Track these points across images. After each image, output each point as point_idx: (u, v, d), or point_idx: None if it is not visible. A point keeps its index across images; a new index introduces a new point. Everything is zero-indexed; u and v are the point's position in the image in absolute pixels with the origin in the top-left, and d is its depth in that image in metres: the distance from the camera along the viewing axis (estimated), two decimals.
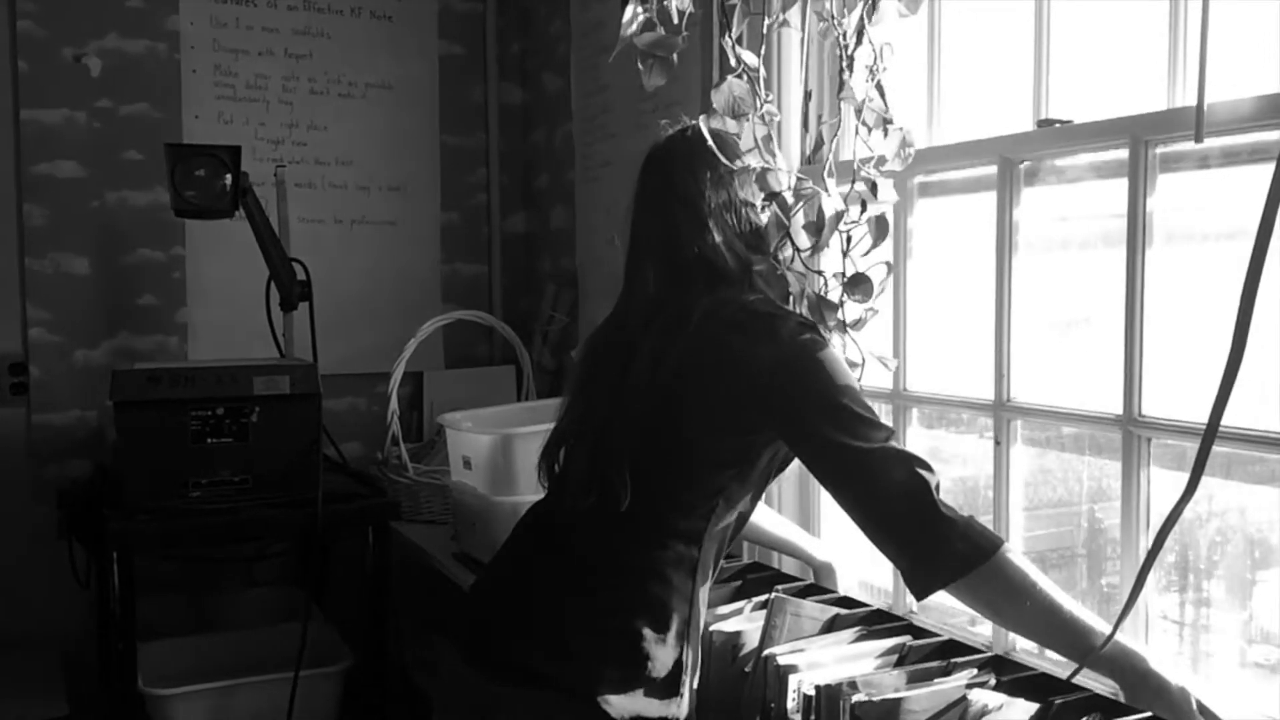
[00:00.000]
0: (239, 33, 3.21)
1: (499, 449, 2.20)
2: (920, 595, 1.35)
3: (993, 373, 1.77)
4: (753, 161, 1.48)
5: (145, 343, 3.14)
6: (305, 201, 3.25)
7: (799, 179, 1.51)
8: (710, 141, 1.45)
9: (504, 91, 3.57)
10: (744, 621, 1.72)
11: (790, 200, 1.48)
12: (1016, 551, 1.34)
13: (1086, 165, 1.69)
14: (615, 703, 1.41)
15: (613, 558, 1.48)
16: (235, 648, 2.70)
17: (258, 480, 2.43)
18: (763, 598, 1.79)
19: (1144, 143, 1.49)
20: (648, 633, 1.43)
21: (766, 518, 1.90)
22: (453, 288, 3.50)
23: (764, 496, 1.69)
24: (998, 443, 1.76)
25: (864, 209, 1.56)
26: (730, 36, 1.47)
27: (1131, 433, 1.54)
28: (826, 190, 1.51)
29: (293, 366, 2.50)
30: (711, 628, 1.71)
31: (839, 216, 1.54)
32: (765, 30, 1.51)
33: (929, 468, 1.35)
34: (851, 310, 1.58)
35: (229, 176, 2.56)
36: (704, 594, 1.52)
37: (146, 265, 3.13)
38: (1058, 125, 1.62)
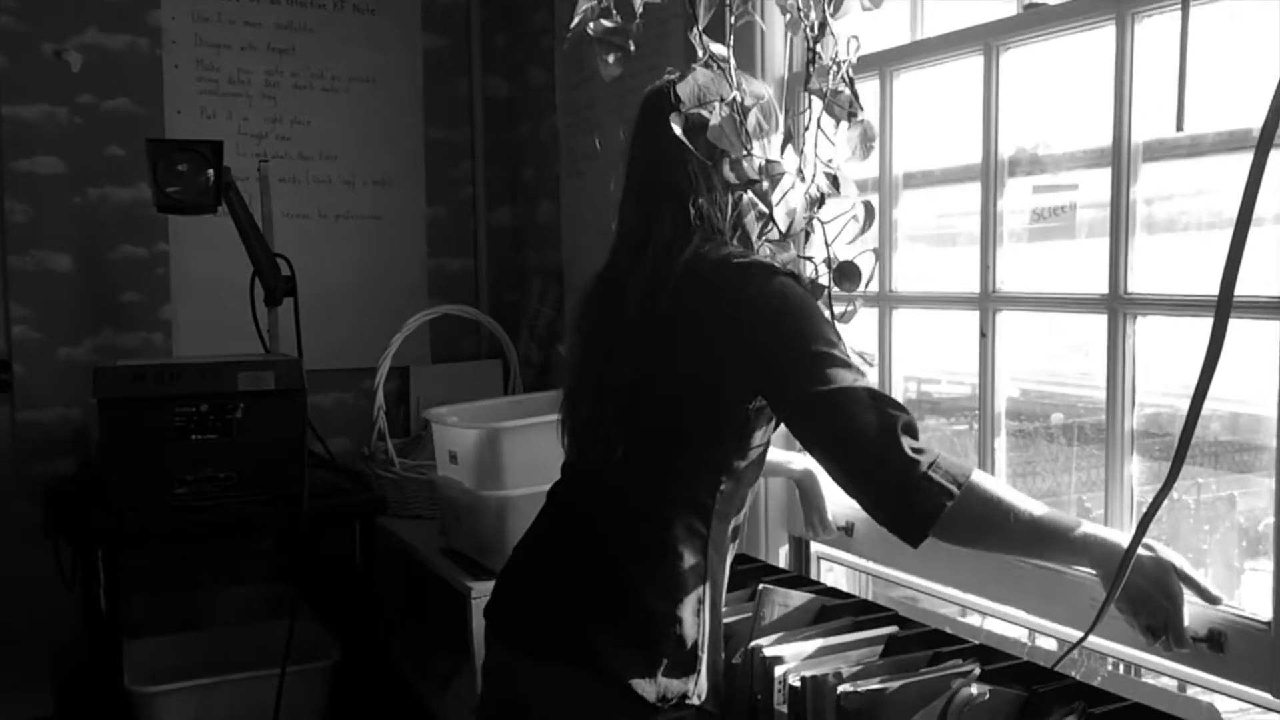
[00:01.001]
0: (221, 27, 3.19)
1: (485, 443, 2.20)
2: (912, 543, 1.32)
3: (978, 264, 1.75)
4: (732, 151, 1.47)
5: (129, 339, 3.12)
6: (289, 196, 3.23)
7: (771, 163, 1.51)
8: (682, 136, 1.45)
9: (489, 85, 3.55)
10: (732, 613, 1.73)
11: (766, 187, 1.48)
12: (986, 475, 1.33)
13: (1066, 155, 1.70)
14: (640, 685, 1.41)
15: (625, 536, 1.47)
16: (222, 645, 2.70)
17: (243, 477, 2.42)
18: (750, 589, 1.79)
19: (1129, 14, 1.49)
20: (663, 611, 1.43)
21: None
22: (439, 282, 3.49)
23: None
24: (984, 335, 1.75)
25: (821, 204, 1.56)
26: (698, 28, 1.46)
27: (1117, 310, 1.54)
28: (801, 178, 1.51)
29: (277, 362, 2.49)
30: None
31: (811, 204, 1.54)
32: (734, 21, 1.51)
33: (900, 408, 1.33)
34: (837, 303, 1.59)
35: (211, 172, 2.55)
36: (722, 572, 1.52)
37: (130, 261, 3.12)
38: (1043, 6, 1.63)
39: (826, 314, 1.46)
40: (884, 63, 1.93)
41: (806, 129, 1.59)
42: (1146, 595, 1.32)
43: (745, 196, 1.48)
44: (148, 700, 2.38)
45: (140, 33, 3.11)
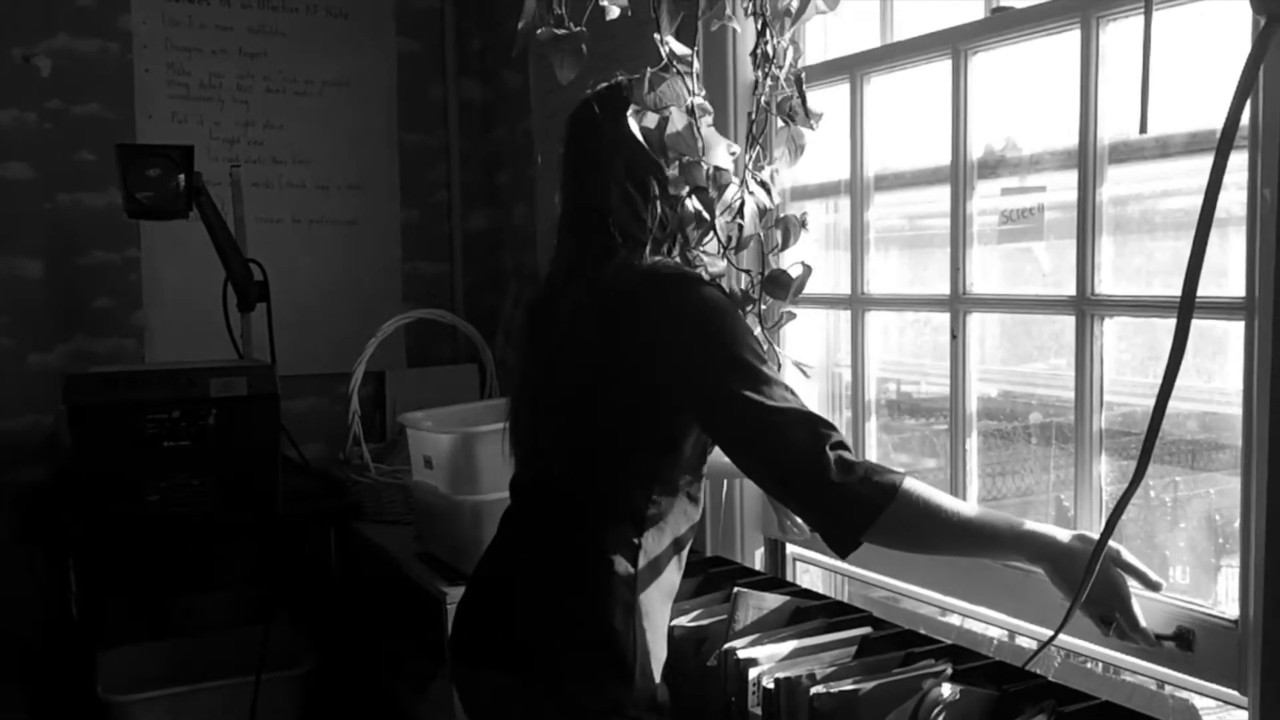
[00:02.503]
0: (192, 31, 3.17)
1: (460, 448, 2.19)
2: (841, 554, 1.36)
3: (949, 266, 1.76)
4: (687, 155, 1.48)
5: (101, 346, 3.10)
6: (263, 201, 3.22)
7: (718, 170, 1.52)
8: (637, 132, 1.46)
9: (464, 88, 3.55)
10: (706, 616, 1.73)
11: (713, 195, 1.49)
12: (917, 482, 1.35)
13: (1034, 157, 1.71)
14: (574, 690, 1.44)
15: (560, 547, 1.51)
16: (197, 652, 2.68)
17: (217, 483, 2.41)
18: (725, 591, 1.79)
19: (1094, 19, 1.50)
20: (592, 620, 1.45)
21: None
22: (414, 286, 3.48)
23: None
24: (954, 336, 1.76)
25: (763, 215, 1.57)
26: (661, 32, 1.47)
27: (1085, 312, 1.55)
28: (751, 189, 1.53)
29: (250, 368, 2.48)
30: (673, 622, 1.71)
31: (761, 214, 1.55)
32: (700, 24, 1.51)
33: (830, 426, 1.36)
34: (769, 311, 1.60)
35: (183, 177, 2.53)
36: (662, 581, 1.52)
37: (101, 267, 3.09)
38: (1010, 10, 1.64)
39: (755, 329, 1.47)
40: (854, 66, 1.93)
41: (764, 132, 1.60)
42: (1095, 589, 1.34)
43: (690, 205, 1.49)
44: (122, 709, 2.37)
45: (111, 37, 3.09)
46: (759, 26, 1.57)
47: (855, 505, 1.31)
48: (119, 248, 3.11)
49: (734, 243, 1.56)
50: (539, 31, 1.49)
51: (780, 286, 1.59)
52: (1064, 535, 1.37)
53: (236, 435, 2.41)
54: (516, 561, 1.57)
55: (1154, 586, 1.36)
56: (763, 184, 1.58)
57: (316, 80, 3.32)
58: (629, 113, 1.48)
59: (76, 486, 2.36)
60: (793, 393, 1.39)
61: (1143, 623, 1.36)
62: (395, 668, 2.67)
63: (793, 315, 1.72)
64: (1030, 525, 1.37)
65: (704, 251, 1.54)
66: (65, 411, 2.37)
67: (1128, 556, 1.36)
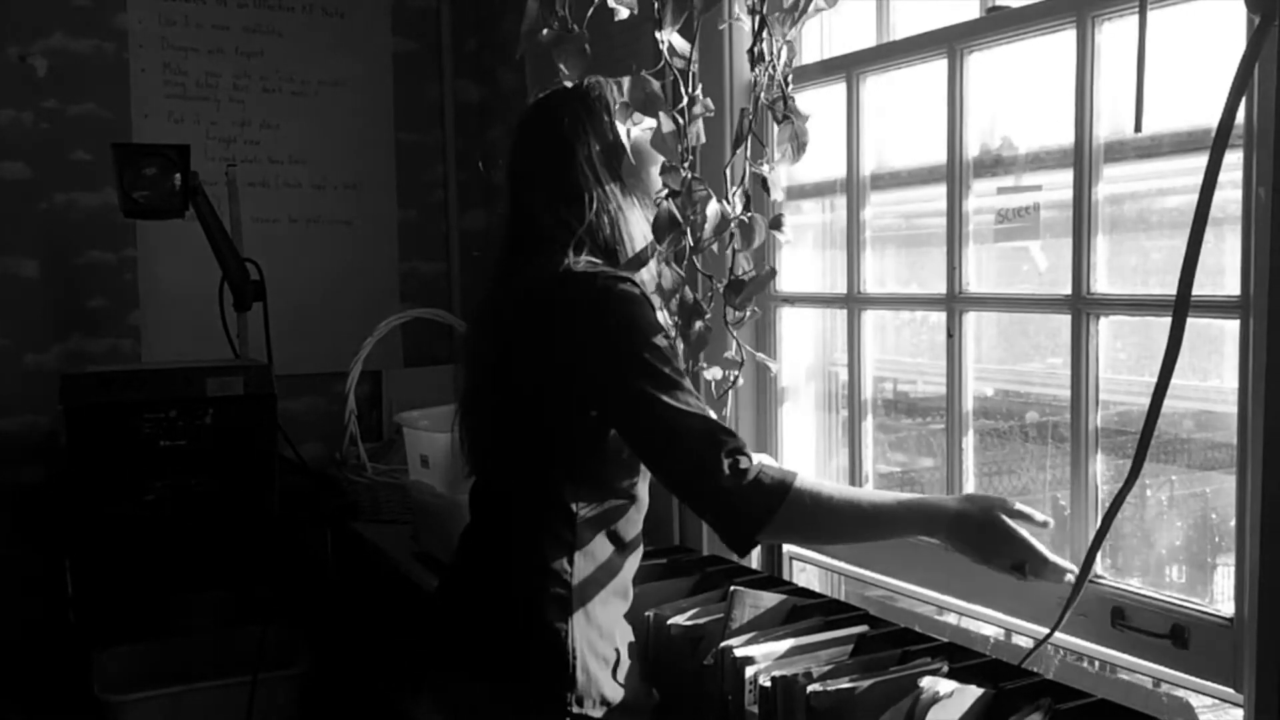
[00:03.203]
0: (189, 30, 3.17)
1: (457, 447, 2.19)
2: (739, 553, 1.42)
3: (945, 265, 1.76)
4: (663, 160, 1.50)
5: (97, 346, 3.09)
6: (259, 201, 3.21)
7: (694, 178, 1.53)
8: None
9: (460, 88, 3.55)
10: (703, 615, 1.73)
11: (687, 199, 1.50)
12: (809, 478, 1.40)
13: (1030, 156, 1.71)
14: (514, 687, 1.48)
15: (497, 547, 1.55)
16: (192, 652, 2.68)
17: (213, 483, 2.41)
18: (721, 590, 1.79)
19: (1090, 18, 1.50)
20: (525, 619, 1.49)
21: None
22: (410, 286, 3.48)
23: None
24: (950, 335, 1.76)
25: (748, 204, 1.58)
26: (663, 30, 1.47)
27: (1080, 311, 1.55)
28: (729, 192, 1.53)
29: (247, 367, 2.48)
30: (670, 621, 1.71)
31: (724, 221, 1.56)
32: (697, 24, 1.52)
33: (728, 432, 1.39)
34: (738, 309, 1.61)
35: (179, 176, 2.53)
36: (601, 580, 1.53)
37: (97, 267, 3.09)
38: (1006, 10, 1.64)
39: (666, 327, 1.48)
40: (850, 66, 1.94)
41: (750, 133, 1.60)
42: (985, 541, 1.38)
43: (665, 209, 1.50)
44: (118, 709, 2.36)
45: (107, 36, 3.08)
46: (754, 25, 1.57)
47: (748, 507, 1.35)
48: (115, 247, 3.10)
49: (699, 246, 1.57)
50: (542, 34, 1.50)
51: (737, 293, 1.60)
52: (951, 502, 1.42)
53: (233, 435, 2.41)
54: (466, 565, 1.61)
55: (1043, 524, 1.40)
56: (762, 181, 1.58)
57: (313, 80, 3.32)
58: (615, 110, 1.49)
59: (73, 486, 2.36)
60: (696, 397, 1.41)
61: (1051, 557, 1.39)
62: (392, 667, 2.67)
63: (756, 313, 1.74)
64: (920, 499, 1.43)
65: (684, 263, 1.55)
66: (62, 411, 2.37)
67: (1013, 504, 1.40)
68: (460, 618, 1.57)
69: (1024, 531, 1.38)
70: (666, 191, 1.52)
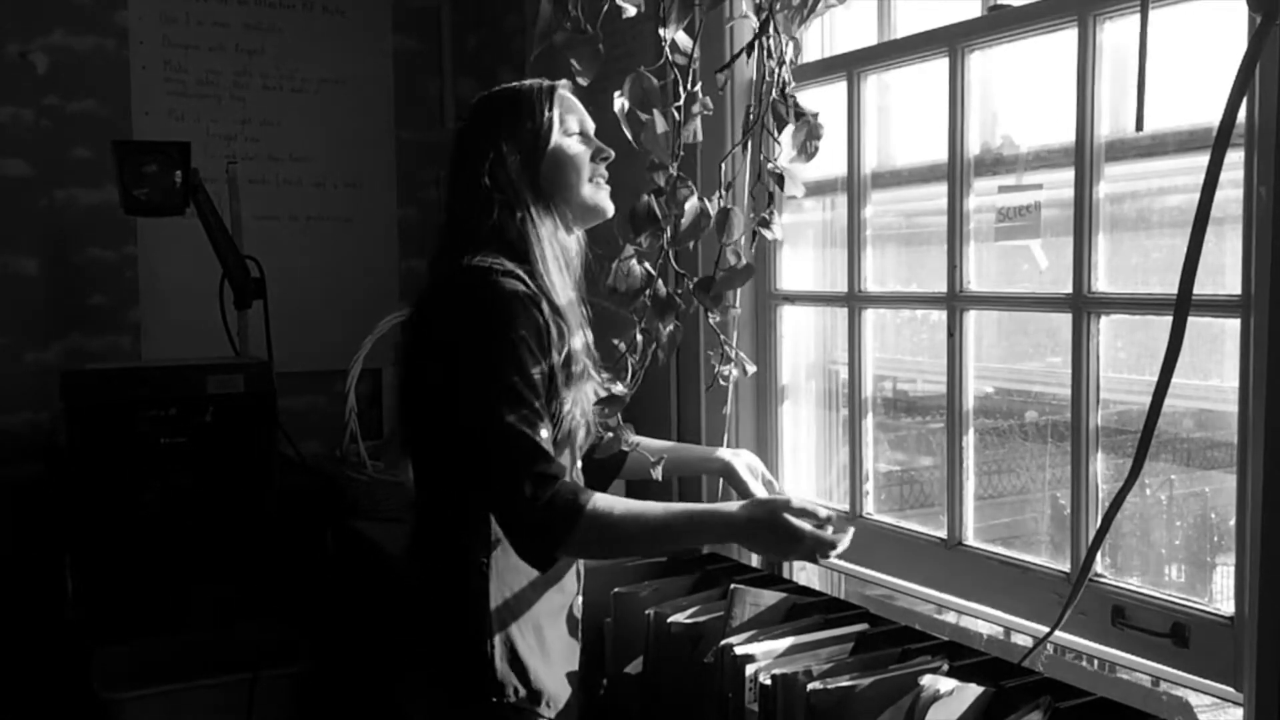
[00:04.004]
0: (189, 28, 3.16)
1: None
2: (539, 569, 1.50)
3: (945, 264, 1.76)
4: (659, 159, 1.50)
5: (97, 343, 3.09)
6: (259, 198, 3.21)
7: (679, 176, 1.53)
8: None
9: (460, 85, 3.54)
10: (703, 613, 1.73)
11: (673, 198, 1.50)
12: (605, 498, 1.43)
13: (1031, 154, 1.71)
14: (441, 676, 1.54)
15: (426, 540, 1.59)
16: (192, 650, 2.67)
17: (213, 480, 2.40)
18: (721, 588, 1.79)
19: (1091, 17, 1.51)
20: (447, 608, 1.53)
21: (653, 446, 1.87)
22: (411, 284, 3.47)
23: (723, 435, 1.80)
24: (951, 334, 1.76)
25: (770, 201, 1.58)
26: (667, 28, 1.47)
27: (1081, 309, 1.55)
28: (721, 189, 1.53)
29: (247, 365, 2.48)
30: (670, 619, 1.71)
31: (702, 217, 1.56)
32: (700, 21, 1.51)
33: (540, 452, 1.41)
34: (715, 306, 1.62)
35: (179, 173, 2.53)
36: (525, 571, 1.54)
37: (97, 264, 3.09)
38: (1007, 9, 1.65)
39: (539, 331, 1.47)
40: (851, 64, 1.94)
41: (749, 132, 1.60)
42: (775, 541, 1.43)
43: (646, 205, 1.50)
44: (118, 706, 2.36)
45: (107, 34, 3.08)
46: (760, 21, 1.57)
47: (545, 526, 1.40)
48: (115, 245, 3.10)
49: (675, 243, 1.57)
50: (556, 36, 1.49)
51: (703, 288, 1.60)
52: (739, 509, 1.46)
53: (233, 432, 2.41)
54: (409, 558, 1.65)
55: (825, 520, 1.44)
56: (776, 176, 1.58)
57: (313, 77, 3.32)
58: (616, 103, 1.49)
59: (73, 484, 2.36)
60: (532, 411, 1.42)
61: (831, 540, 1.43)
62: (392, 665, 2.67)
63: (736, 310, 1.75)
64: (711, 509, 1.49)
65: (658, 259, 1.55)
66: (62, 409, 2.37)
67: (797, 502, 1.45)
68: (400, 610, 1.63)
69: (808, 525, 1.43)
70: (652, 190, 1.52)
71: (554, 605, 1.59)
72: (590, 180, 1.59)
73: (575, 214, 1.60)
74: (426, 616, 1.58)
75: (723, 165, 1.67)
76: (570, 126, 1.58)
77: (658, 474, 1.73)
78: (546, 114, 1.56)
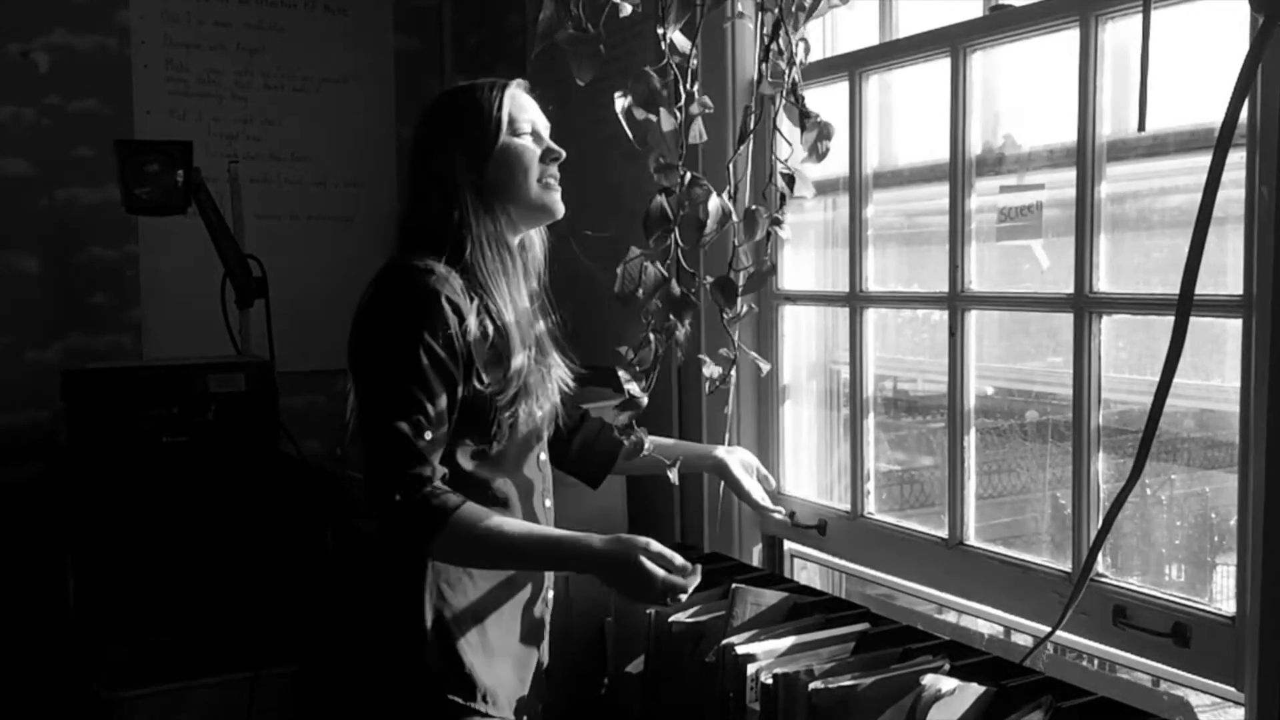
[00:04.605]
0: (190, 27, 3.16)
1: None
2: (411, 554, 1.51)
3: (946, 264, 1.76)
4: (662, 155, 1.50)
5: (98, 342, 3.09)
6: (261, 197, 3.21)
7: (694, 176, 1.53)
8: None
9: None
10: (705, 612, 1.73)
11: (684, 197, 1.51)
12: (474, 508, 1.45)
13: (1033, 154, 1.71)
14: (388, 668, 1.56)
15: (379, 552, 1.61)
16: (194, 648, 2.68)
17: (214, 478, 2.40)
18: (722, 588, 1.80)
19: (1093, 17, 1.51)
20: (388, 597, 1.56)
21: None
22: None
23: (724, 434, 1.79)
24: (952, 334, 1.76)
25: (783, 202, 1.58)
26: (666, 27, 1.47)
27: (1083, 309, 1.55)
28: (727, 186, 1.53)
29: (248, 364, 2.47)
30: (671, 618, 1.71)
31: (725, 216, 1.56)
32: (699, 20, 1.51)
33: (419, 455, 1.43)
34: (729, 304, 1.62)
35: (181, 173, 2.53)
36: (467, 589, 1.55)
37: (98, 263, 3.09)
38: (1009, 9, 1.65)
39: (442, 330, 1.48)
40: (853, 64, 1.94)
41: (750, 135, 1.60)
42: (627, 580, 1.43)
43: (658, 204, 1.51)
44: (119, 705, 2.36)
45: (109, 33, 3.08)
46: (770, 24, 1.57)
47: (410, 528, 1.44)
48: (117, 244, 3.10)
49: (699, 243, 1.57)
50: (557, 35, 1.50)
51: (726, 293, 1.61)
52: (599, 542, 1.46)
53: (235, 431, 2.41)
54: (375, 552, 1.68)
55: (680, 569, 1.44)
56: (787, 177, 1.58)
57: (315, 76, 3.32)
58: (620, 105, 1.49)
59: (74, 483, 2.36)
60: (419, 413, 1.44)
61: (684, 587, 1.43)
62: (367, 659, 2.67)
63: (753, 309, 1.74)
64: (574, 538, 1.47)
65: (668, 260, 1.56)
66: (63, 408, 2.37)
67: (655, 548, 1.44)
68: (360, 601, 1.66)
69: (661, 571, 1.43)
70: (661, 190, 1.52)
71: (499, 601, 1.58)
72: (539, 180, 1.59)
73: (523, 214, 1.60)
74: (373, 608, 1.61)
75: (733, 165, 1.66)
76: (521, 126, 1.58)
77: (674, 475, 1.73)
78: (495, 113, 1.56)
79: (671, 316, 1.58)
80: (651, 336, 1.57)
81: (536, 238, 1.68)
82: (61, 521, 2.31)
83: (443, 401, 1.46)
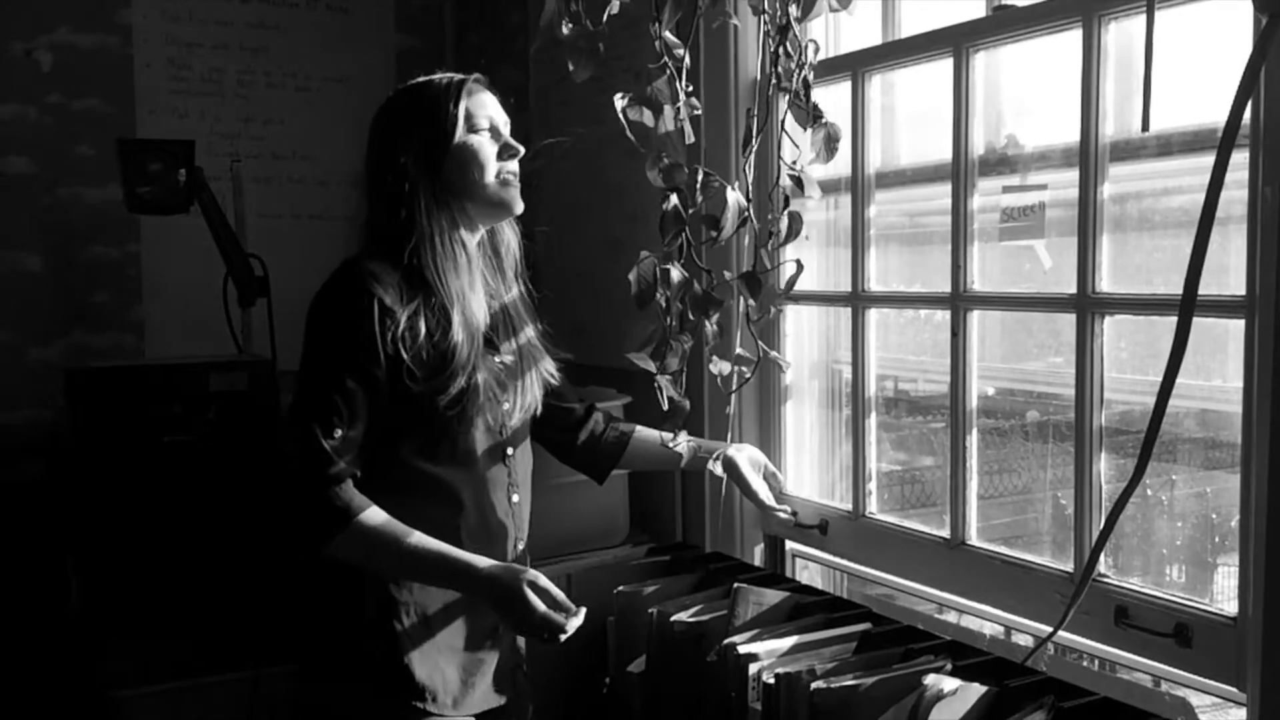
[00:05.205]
0: (193, 26, 3.17)
1: None
2: (304, 555, 1.53)
3: (949, 264, 1.76)
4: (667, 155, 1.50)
5: (100, 340, 3.10)
6: (263, 196, 3.21)
7: (706, 173, 1.52)
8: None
9: None
10: (707, 611, 1.73)
11: (694, 195, 1.50)
12: (377, 514, 1.47)
13: (1036, 154, 1.71)
14: (321, 643, 1.62)
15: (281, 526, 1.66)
16: (195, 647, 2.68)
17: (216, 477, 2.41)
18: (724, 587, 1.80)
19: (1096, 17, 1.51)
20: (334, 593, 1.59)
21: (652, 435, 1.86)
22: None
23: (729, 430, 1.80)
24: (955, 334, 1.76)
25: (786, 204, 1.58)
26: (660, 26, 1.46)
27: (1086, 310, 1.55)
28: (735, 185, 1.53)
29: (250, 363, 2.48)
30: (673, 618, 1.71)
31: (743, 213, 1.55)
32: (695, 22, 1.51)
33: (326, 455, 1.45)
34: (759, 305, 1.61)
35: (183, 172, 2.53)
36: (414, 592, 1.56)
37: (101, 262, 3.09)
38: (1012, 9, 1.65)
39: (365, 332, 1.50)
40: (856, 64, 1.94)
41: (758, 135, 1.60)
42: (508, 608, 1.45)
43: (670, 204, 1.50)
44: (121, 704, 2.36)
45: (111, 32, 3.08)
46: (774, 25, 1.56)
47: (310, 526, 1.47)
48: (119, 242, 3.10)
49: (716, 240, 1.57)
50: (561, 31, 1.49)
51: (753, 288, 1.60)
52: (487, 566, 1.48)
53: (236, 430, 2.41)
54: None
55: (562, 608, 1.45)
56: (795, 178, 1.58)
57: (316, 75, 3.32)
58: (619, 105, 1.49)
59: (76, 482, 2.36)
60: (331, 412, 1.46)
61: (562, 626, 1.44)
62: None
63: (780, 310, 1.73)
64: (466, 560, 1.48)
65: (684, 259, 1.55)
66: (66, 407, 2.37)
67: (542, 582, 1.46)
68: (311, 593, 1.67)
69: (542, 605, 1.44)
70: (668, 189, 1.51)
71: (444, 599, 1.58)
72: (497, 177, 1.58)
73: (481, 211, 1.59)
74: (324, 598, 1.62)
75: (747, 165, 1.66)
76: (478, 123, 1.58)
77: (718, 469, 1.77)
78: (451, 110, 1.55)
79: (690, 315, 1.57)
80: (675, 338, 1.56)
81: (509, 232, 1.67)
82: (63, 520, 2.31)
83: (358, 401, 1.48)
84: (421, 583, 1.55)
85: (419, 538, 1.48)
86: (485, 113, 1.59)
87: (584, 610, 1.47)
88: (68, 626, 2.41)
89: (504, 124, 1.62)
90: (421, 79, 1.61)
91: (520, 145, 1.61)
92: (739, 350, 1.76)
